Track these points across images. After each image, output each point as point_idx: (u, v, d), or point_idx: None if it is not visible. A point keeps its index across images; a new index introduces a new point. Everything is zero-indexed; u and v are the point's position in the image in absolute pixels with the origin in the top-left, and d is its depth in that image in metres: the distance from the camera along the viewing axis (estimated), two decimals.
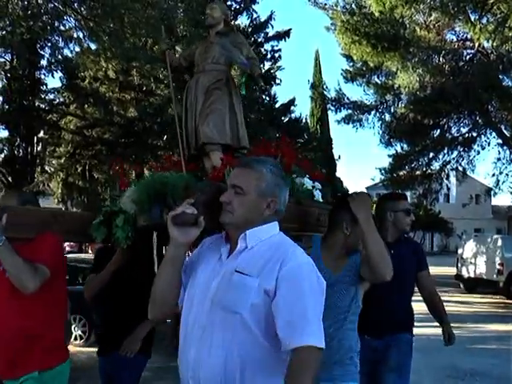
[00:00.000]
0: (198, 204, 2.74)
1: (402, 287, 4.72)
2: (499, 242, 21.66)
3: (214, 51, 4.51)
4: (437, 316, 5.53)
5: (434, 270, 21.30)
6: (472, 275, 22.41)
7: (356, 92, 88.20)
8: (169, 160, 4.89)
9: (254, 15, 16.78)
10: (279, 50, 17.31)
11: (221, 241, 2.77)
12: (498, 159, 26.39)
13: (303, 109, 53.62)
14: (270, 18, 16.81)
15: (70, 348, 10.71)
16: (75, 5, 9.96)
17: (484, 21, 18.48)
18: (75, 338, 11.62)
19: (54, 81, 57.54)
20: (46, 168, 16.86)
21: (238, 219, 2.64)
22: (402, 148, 26.64)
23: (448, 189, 29.97)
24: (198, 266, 2.76)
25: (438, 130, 26.30)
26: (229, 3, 16.68)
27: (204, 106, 4.36)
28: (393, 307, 4.79)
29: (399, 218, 4.85)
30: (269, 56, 17.29)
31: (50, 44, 11.18)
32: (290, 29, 17.11)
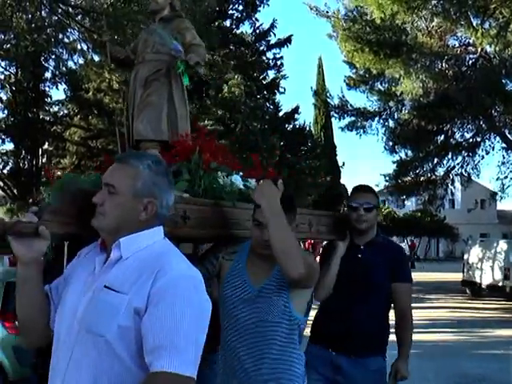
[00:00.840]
0: (42, 211, 2.34)
1: (367, 297, 4.15)
2: (505, 247, 21.62)
3: (153, 39, 4.08)
4: (397, 342, 4.51)
5: (440, 276, 21.37)
6: (478, 280, 22.35)
7: (359, 99, 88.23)
8: (107, 160, 4.25)
9: (257, 24, 16.84)
10: (281, 57, 17.40)
11: (97, 250, 2.35)
12: (503, 163, 26.38)
13: (307, 116, 53.77)
14: (272, 26, 16.88)
15: None
16: (79, 17, 10.03)
17: (486, 25, 18.52)
18: None
19: (58, 93, 57.96)
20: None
21: (110, 223, 2.23)
22: (406, 154, 26.68)
23: (452, 194, 29.90)
24: (71, 280, 2.32)
25: (442, 136, 26.33)
26: (230, 12, 16.76)
27: (141, 100, 3.96)
28: (357, 318, 4.12)
29: (348, 215, 4.24)
30: (271, 64, 17.35)
31: (54, 56, 11.27)
32: (291, 35, 17.22)
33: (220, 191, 3.43)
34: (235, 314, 3.24)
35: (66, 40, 10.54)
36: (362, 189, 4.34)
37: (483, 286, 22.09)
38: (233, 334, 3.25)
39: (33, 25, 9.49)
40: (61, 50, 10.77)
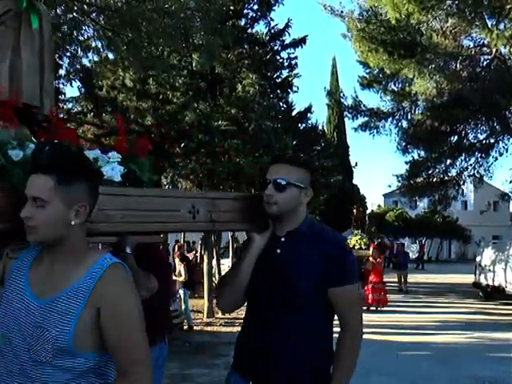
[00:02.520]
0: None
1: (290, 309, 3.06)
2: None
3: None
4: (333, 364, 3.12)
5: (451, 278, 21.31)
6: (490, 283, 22.23)
7: (373, 99, 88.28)
8: None
9: (272, 23, 16.82)
10: (296, 57, 17.35)
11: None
12: None
13: (320, 116, 53.76)
14: (286, 25, 16.84)
15: None
16: (93, 15, 10.08)
17: (501, 26, 18.42)
18: None
19: (72, 90, 58.23)
20: None
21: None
22: (418, 155, 26.61)
23: (463, 195, 29.80)
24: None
25: (456, 137, 26.23)
26: (245, 11, 16.74)
27: None
28: (277, 344, 3.09)
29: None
30: (286, 64, 17.33)
31: (68, 54, 11.31)
32: (306, 35, 17.13)
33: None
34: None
35: (80, 38, 10.58)
36: (278, 159, 3.28)
37: (495, 289, 21.95)
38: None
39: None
40: (75, 48, 10.81)
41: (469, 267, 26.05)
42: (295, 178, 3.12)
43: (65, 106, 16.18)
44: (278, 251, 3.13)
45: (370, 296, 18.11)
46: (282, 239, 3.15)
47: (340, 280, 3.05)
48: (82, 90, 15.46)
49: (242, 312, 13.00)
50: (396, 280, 24.07)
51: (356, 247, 21.07)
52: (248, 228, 3.22)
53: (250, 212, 3.17)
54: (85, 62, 12.23)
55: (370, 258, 19.14)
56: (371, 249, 20.77)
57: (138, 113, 14.68)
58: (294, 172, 3.13)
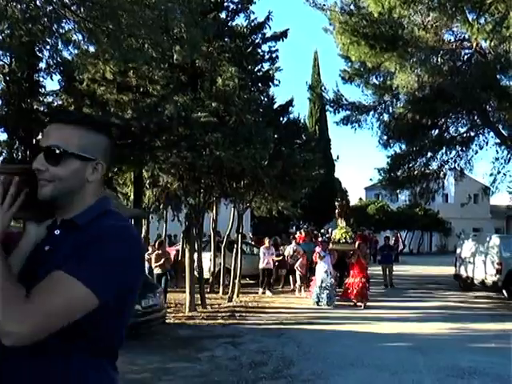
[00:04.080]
0: None
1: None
2: (498, 242, 21.69)
3: None
4: None
5: (433, 271, 21.60)
6: (470, 275, 22.45)
7: (354, 93, 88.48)
8: None
9: (252, 16, 16.76)
10: (276, 50, 17.30)
11: None
12: (496, 159, 26.51)
13: (302, 110, 53.87)
14: (267, 18, 16.79)
15: None
16: (74, 7, 9.99)
17: (482, 21, 18.55)
18: None
19: (52, 83, 57.82)
20: None
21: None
22: (400, 148, 26.78)
23: (443, 188, 30.01)
24: None
25: (437, 130, 26.42)
26: (226, 4, 16.69)
27: None
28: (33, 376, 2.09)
29: None
30: (266, 57, 17.29)
31: (48, 46, 11.20)
32: (288, 29, 17.10)
33: None
34: None
35: (60, 30, 10.47)
36: (55, 117, 2.36)
37: (475, 281, 22.18)
38: None
39: (27, 14, 9.44)
40: (55, 40, 10.70)
41: (449, 260, 26.29)
42: (77, 144, 2.17)
43: (45, 100, 16.06)
44: (46, 248, 2.19)
45: (354, 290, 17.87)
46: (56, 232, 2.22)
47: (70, 266, 2.00)
48: (63, 83, 15.35)
49: (224, 306, 13.08)
50: (379, 273, 24.13)
51: (341, 241, 21.01)
52: (26, 215, 2.27)
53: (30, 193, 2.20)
54: (65, 54, 12.12)
55: (357, 252, 19.03)
56: (357, 243, 20.77)
57: (119, 106, 14.59)
58: (75, 136, 2.18)
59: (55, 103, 15.84)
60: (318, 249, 19.42)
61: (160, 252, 17.28)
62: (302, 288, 20.40)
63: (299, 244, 22.82)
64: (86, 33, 10.07)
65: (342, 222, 22.25)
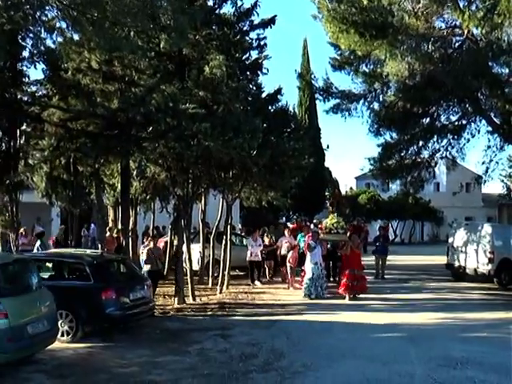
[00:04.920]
0: None
1: None
2: (490, 230, 21.82)
3: None
4: None
5: (425, 260, 21.72)
6: (462, 264, 22.56)
7: (344, 81, 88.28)
8: None
9: (239, 3, 16.67)
10: (265, 37, 17.22)
11: None
12: (488, 147, 26.64)
13: (291, 98, 53.79)
14: (254, 5, 16.71)
15: (57, 344, 10.77)
16: None
17: (473, 7, 18.57)
18: (62, 334, 11.57)
19: (36, 72, 57.07)
20: (30, 161, 16.74)
21: None
22: (391, 137, 26.79)
23: (435, 176, 30.11)
24: None
25: (428, 118, 26.46)
26: None
27: None
28: None
29: None
30: (255, 45, 17.22)
31: (31, 35, 11.10)
32: (275, 16, 17.01)
33: None
34: None
35: (44, 18, 10.37)
36: None
37: (467, 270, 22.28)
38: None
39: (9, 1, 9.35)
40: (39, 28, 10.60)
41: (441, 249, 26.38)
42: None
43: (29, 89, 15.93)
44: None
45: (348, 283, 17.67)
46: None
47: None
48: (47, 72, 15.23)
49: (213, 298, 13.17)
50: (369, 263, 24.00)
51: (333, 231, 20.86)
52: None
53: None
54: (49, 43, 12.00)
55: (349, 242, 18.87)
56: (348, 233, 20.65)
57: (104, 96, 14.49)
58: None
59: (39, 93, 15.72)
60: (307, 239, 19.36)
61: (152, 248, 17.17)
62: (291, 280, 20.25)
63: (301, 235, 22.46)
64: (70, 20, 9.98)
65: (334, 212, 22.14)
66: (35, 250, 17.76)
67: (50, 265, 13.68)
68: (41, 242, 18.73)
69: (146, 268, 16.94)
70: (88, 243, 25.95)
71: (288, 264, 20.52)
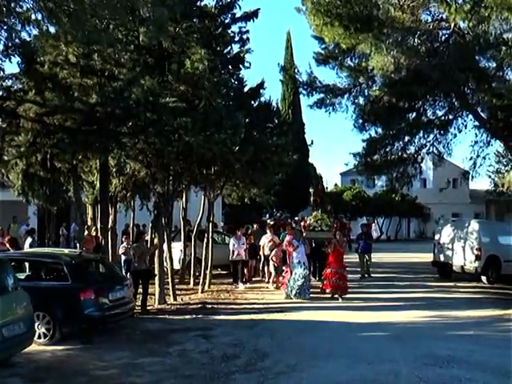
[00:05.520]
0: None
1: None
2: (477, 227, 21.98)
3: None
4: None
5: (411, 257, 21.80)
6: (449, 261, 22.70)
7: (328, 75, 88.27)
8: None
9: None
10: (247, 31, 17.18)
11: None
12: (475, 142, 26.79)
13: (274, 93, 53.81)
14: None
15: (34, 347, 10.72)
16: None
17: (459, 0, 18.62)
18: (39, 337, 11.52)
19: (11, 66, 56.58)
20: (5, 158, 16.64)
21: None
22: (376, 132, 26.85)
23: (421, 172, 30.17)
24: None
25: (414, 113, 26.55)
26: None
27: None
28: None
29: None
30: (237, 38, 17.18)
31: (6, 27, 11.01)
32: (258, 9, 16.99)
33: None
34: None
35: (18, 9, 10.30)
36: None
37: (454, 267, 22.43)
38: None
39: None
40: (13, 20, 10.52)
41: (428, 246, 26.57)
42: None
43: (3, 84, 15.82)
44: None
45: (331, 282, 17.71)
46: None
47: None
48: (22, 66, 15.13)
49: (195, 298, 13.19)
50: (354, 261, 24.05)
51: (317, 228, 20.79)
52: None
53: None
54: (24, 35, 11.91)
55: (334, 241, 18.54)
56: (334, 230, 20.53)
57: (83, 90, 14.42)
58: None
59: (15, 87, 15.61)
60: (288, 238, 19.29)
61: (139, 245, 16.82)
62: (275, 280, 20.20)
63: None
64: (46, 12, 9.90)
65: (317, 209, 22.15)
66: (26, 248, 17.68)
67: (26, 265, 13.62)
68: (32, 239, 18.69)
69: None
70: (64, 242, 25.88)
71: (271, 262, 20.51)
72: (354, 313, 15.16)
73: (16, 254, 14.59)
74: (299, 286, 17.47)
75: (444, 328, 13.47)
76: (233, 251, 20.86)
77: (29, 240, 18.65)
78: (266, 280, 21.15)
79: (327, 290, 17.85)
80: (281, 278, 19.50)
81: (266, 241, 21.22)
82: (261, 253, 21.58)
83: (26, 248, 17.68)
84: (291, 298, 17.49)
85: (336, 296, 17.54)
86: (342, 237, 19.71)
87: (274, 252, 20.48)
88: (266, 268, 21.49)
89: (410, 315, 14.77)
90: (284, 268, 19.17)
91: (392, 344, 11.72)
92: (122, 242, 19.40)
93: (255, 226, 24.39)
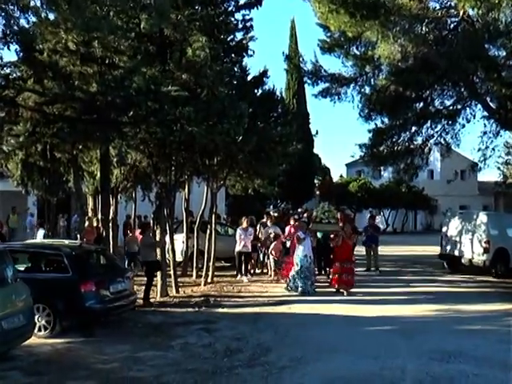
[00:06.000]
0: None
1: None
2: (485, 219, 21.92)
3: None
4: None
5: (418, 250, 21.75)
6: (457, 254, 22.67)
7: (334, 64, 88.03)
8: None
9: None
10: (251, 19, 17.12)
11: None
12: (484, 133, 26.70)
13: (278, 82, 53.68)
14: None
15: (34, 340, 10.74)
16: None
17: None
18: (39, 329, 11.54)
19: (9, 54, 56.50)
20: (4, 148, 16.65)
21: None
22: (382, 122, 26.81)
23: (428, 164, 30.06)
24: None
25: (421, 103, 26.49)
26: None
27: None
28: None
29: None
30: (240, 26, 17.11)
31: (4, 13, 10.99)
32: None
33: None
34: None
35: None
36: None
37: (462, 260, 22.40)
38: None
39: None
40: (11, 7, 10.50)
41: (435, 239, 26.50)
42: None
43: (2, 72, 15.80)
44: None
45: (339, 277, 17.46)
46: None
47: None
48: (21, 53, 15.09)
49: (197, 290, 13.18)
50: (360, 254, 23.90)
51: (323, 221, 20.55)
52: None
53: None
54: (23, 22, 11.89)
55: (341, 233, 18.22)
56: (340, 223, 19.93)
57: (83, 78, 14.38)
58: None
59: (13, 75, 15.58)
60: (292, 230, 19.08)
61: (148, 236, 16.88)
62: (277, 273, 20.04)
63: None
64: None
65: (324, 201, 22.01)
66: (38, 240, 17.70)
67: (26, 256, 13.63)
68: (44, 230, 18.72)
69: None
70: (64, 233, 25.94)
71: (271, 256, 20.37)
72: (359, 306, 15.15)
73: (16, 245, 14.59)
74: (304, 281, 17.23)
75: (451, 322, 13.46)
76: (240, 242, 20.53)
77: (41, 231, 18.68)
78: (269, 274, 20.91)
79: (336, 286, 17.62)
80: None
81: (269, 233, 20.92)
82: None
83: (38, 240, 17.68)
84: (288, 291, 17.30)
85: (341, 290, 17.35)
86: (351, 229, 19.35)
87: (272, 245, 20.25)
88: (268, 261, 21.28)
89: (416, 309, 14.76)
90: (285, 259, 19.05)
91: (398, 338, 11.71)
92: (127, 234, 19.40)
93: (268, 217, 23.38)
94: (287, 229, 19.67)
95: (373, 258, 23.20)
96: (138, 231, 20.25)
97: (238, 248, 20.53)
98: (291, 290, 17.39)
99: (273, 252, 20.14)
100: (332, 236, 19.08)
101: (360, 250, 23.78)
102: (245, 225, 20.90)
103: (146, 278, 15.85)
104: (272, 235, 20.61)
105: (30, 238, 19.63)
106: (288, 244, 19.48)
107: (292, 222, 20.18)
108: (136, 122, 14.50)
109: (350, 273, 17.75)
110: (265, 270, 21.65)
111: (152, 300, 15.87)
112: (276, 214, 25.05)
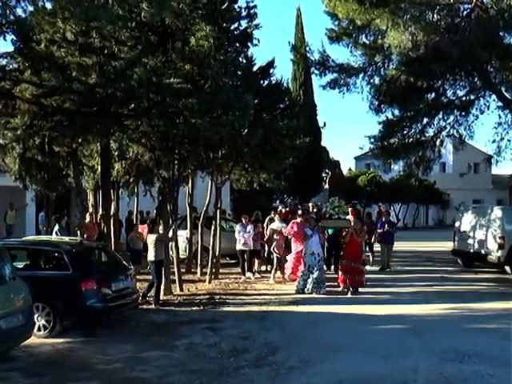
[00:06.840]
0: None
1: None
2: (499, 214, 21.81)
3: None
4: None
5: (429, 246, 21.63)
6: (470, 250, 22.59)
7: (342, 54, 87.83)
8: None
9: None
10: (255, 6, 17.06)
11: None
12: (499, 124, 26.64)
13: (285, 72, 53.61)
14: None
15: (33, 340, 10.77)
16: None
17: None
18: (38, 329, 11.56)
19: (5, 44, 56.51)
20: (1, 141, 16.67)
21: None
22: (393, 114, 26.79)
23: (441, 156, 29.86)
24: None
25: (433, 93, 26.45)
26: None
27: None
28: None
29: None
30: (244, 14, 17.06)
31: None
32: None
33: None
34: None
35: None
36: None
37: (475, 256, 22.33)
38: None
39: None
40: None
41: (448, 234, 26.45)
42: None
43: None
44: None
45: (345, 276, 17.16)
46: None
47: None
48: (17, 44, 15.09)
49: (202, 288, 13.17)
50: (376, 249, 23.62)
51: (334, 216, 20.28)
52: None
53: None
54: (19, 12, 11.89)
55: (350, 229, 17.69)
56: (351, 218, 19.13)
57: (81, 70, 14.37)
58: None
59: (10, 67, 15.58)
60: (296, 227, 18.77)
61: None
62: (278, 271, 19.82)
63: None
64: None
65: (334, 195, 21.87)
66: (54, 235, 17.65)
67: (24, 254, 13.64)
68: (59, 226, 18.67)
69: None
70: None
71: (274, 254, 19.99)
72: (368, 305, 15.12)
73: (14, 242, 14.58)
74: (315, 280, 16.92)
75: (464, 321, 13.42)
76: (239, 240, 20.26)
77: (56, 227, 18.64)
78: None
79: (341, 285, 17.48)
80: (288, 273, 19.03)
81: (279, 226, 20.12)
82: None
83: (54, 235, 17.62)
84: (298, 293, 16.94)
85: (346, 290, 17.05)
86: (361, 225, 18.84)
87: (275, 243, 19.84)
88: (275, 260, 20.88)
89: (428, 307, 14.74)
90: (287, 259, 18.93)
91: (410, 338, 11.69)
92: (132, 230, 19.39)
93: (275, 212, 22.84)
94: (289, 225, 19.36)
95: (386, 256, 22.83)
96: (140, 227, 20.25)
97: (239, 246, 20.26)
98: (301, 292, 17.03)
99: (275, 249, 19.83)
100: (344, 233, 18.24)
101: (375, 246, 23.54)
102: (244, 221, 20.55)
103: (150, 277, 15.82)
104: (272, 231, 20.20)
105: (44, 234, 19.54)
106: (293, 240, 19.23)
107: (299, 220, 19.54)
108: (137, 115, 14.50)
109: (360, 274, 17.43)
110: (269, 268, 21.54)
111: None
112: (287, 209, 24.72)
